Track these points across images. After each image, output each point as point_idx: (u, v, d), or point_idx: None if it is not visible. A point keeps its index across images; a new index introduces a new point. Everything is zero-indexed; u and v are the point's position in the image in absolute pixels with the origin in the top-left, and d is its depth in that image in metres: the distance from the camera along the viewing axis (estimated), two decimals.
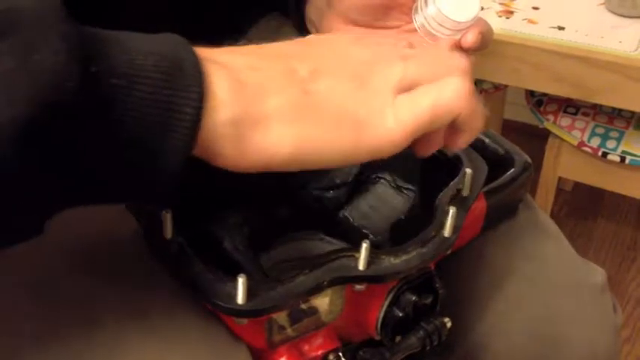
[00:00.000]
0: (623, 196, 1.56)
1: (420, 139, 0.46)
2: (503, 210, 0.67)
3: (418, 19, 0.61)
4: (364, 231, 0.64)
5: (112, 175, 0.40)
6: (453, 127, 0.47)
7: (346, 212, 0.66)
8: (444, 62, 0.48)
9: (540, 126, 1.49)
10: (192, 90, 0.39)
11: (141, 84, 0.39)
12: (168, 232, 0.51)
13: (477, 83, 1.53)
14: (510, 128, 1.95)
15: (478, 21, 0.61)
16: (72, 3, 0.39)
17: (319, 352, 0.54)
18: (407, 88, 0.45)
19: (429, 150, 0.49)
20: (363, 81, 0.45)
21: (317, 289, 0.49)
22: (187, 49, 0.41)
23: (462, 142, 0.49)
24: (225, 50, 0.44)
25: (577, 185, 1.94)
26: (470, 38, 0.59)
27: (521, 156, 0.66)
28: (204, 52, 0.42)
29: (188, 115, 0.39)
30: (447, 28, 0.60)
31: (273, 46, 0.47)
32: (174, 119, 0.39)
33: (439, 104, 0.44)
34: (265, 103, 0.42)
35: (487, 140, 0.67)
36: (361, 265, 0.50)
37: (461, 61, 0.49)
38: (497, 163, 0.65)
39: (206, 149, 0.41)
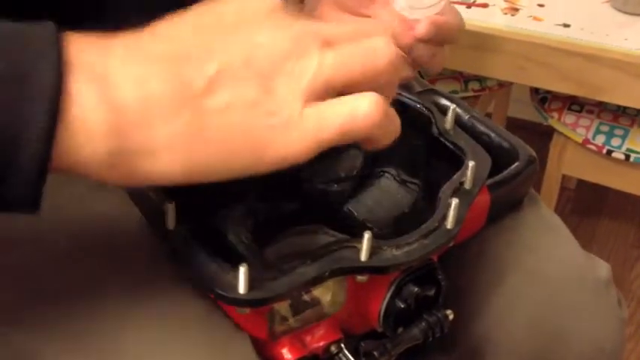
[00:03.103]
0: (627, 194, 1.55)
1: None
2: (507, 204, 0.66)
3: (394, 5, 0.62)
4: (368, 225, 0.64)
5: None
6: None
7: (350, 206, 0.66)
8: (366, 45, 0.43)
9: (545, 123, 1.49)
10: (43, 97, 0.35)
11: None
12: (171, 222, 0.51)
13: (482, 80, 1.53)
14: (515, 126, 1.94)
15: (449, 10, 0.61)
16: None
17: (321, 343, 0.54)
18: (319, 89, 0.41)
19: None
20: (269, 87, 0.40)
21: (319, 280, 0.49)
22: (50, 57, 0.36)
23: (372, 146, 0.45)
24: (114, 51, 0.39)
25: (581, 183, 1.93)
26: (420, 28, 0.59)
27: (526, 150, 0.66)
28: (80, 56, 0.37)
29: (38, 129, 0.35)
30: (415, 11, 0.60)
31: (171, 36, 0.41)
32: (22, 131, 0.35)
33: (348, 125, 0.41)
34: (151, 132, 0.38)
35: (492, 134, 0.67)
36: (363, 256, 0.50)
37: (382, 41, 0.43)
38: (502, 157, 0.65)
39: (83, 174, 0.38)
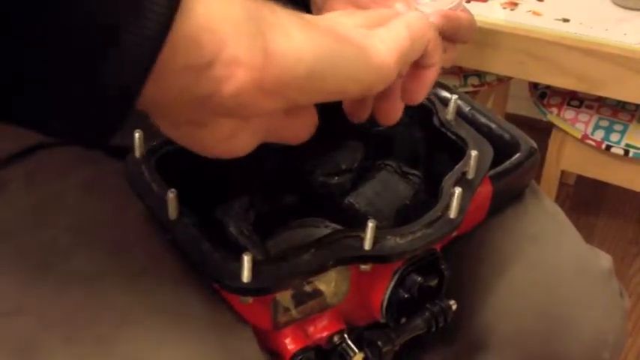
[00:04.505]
0: (626, 190, 1.56)
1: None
2: (509, 195, 0.66)
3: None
4: (369, 217, 0.64)
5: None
6: (420, 64, 0.48)
7: (351, 198, 0.66)
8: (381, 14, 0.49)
9: (544, 119, 1.49)
10: None
11: None
12: (173, 212, 0.51)
13: (481, 76, 1.53)
14: (513, 121, 1.94)
15: (464, 10, 0.62)
16: None
17: (324, 334, 0.54)
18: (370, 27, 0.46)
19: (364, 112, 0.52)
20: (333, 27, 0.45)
21: (323, 268, 0.49)
22: None
23: (431, 78, 0.49)
24: None
25: (580, 178, 1.93)
26: (431, 18, 0.60)
27: (527, 141, 0.66)
28: None
29: None
30: (431, 4, 0.61)
31: None
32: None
33: (414, 29, 0.46)
34: (277, 15, 0.39)
35: (493, 126, 0.67)
36: (367, 245, 0.50)
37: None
38: (503, 148, 0.64)
39: (219, 60, 0.36)
